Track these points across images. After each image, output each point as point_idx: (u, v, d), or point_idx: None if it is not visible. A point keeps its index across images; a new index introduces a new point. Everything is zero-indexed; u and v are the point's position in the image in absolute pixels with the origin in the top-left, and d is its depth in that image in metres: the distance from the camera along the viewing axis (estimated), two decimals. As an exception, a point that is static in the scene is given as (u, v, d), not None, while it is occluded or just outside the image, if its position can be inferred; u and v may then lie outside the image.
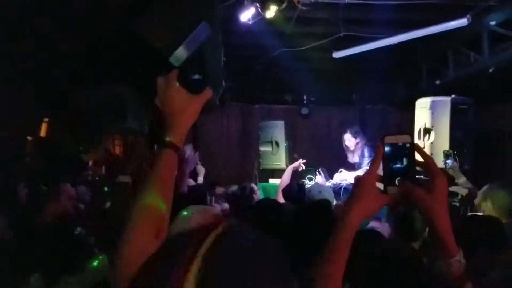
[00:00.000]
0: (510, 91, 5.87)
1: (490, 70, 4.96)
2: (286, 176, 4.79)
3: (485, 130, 5.92)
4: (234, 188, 4.93)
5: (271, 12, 4.68)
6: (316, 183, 4.84)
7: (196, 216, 1.78)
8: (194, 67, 1.28)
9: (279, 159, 6.49)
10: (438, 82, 5.79)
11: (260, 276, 0.66)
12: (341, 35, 5.35)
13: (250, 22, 4.87)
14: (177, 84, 1.22)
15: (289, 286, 0.71)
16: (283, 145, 6.47)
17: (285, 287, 0.69)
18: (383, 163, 1.03)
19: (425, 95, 4.94)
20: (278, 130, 6.53)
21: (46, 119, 5.55)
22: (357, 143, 5.75)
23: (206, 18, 3.65)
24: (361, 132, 5.92)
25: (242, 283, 0.64)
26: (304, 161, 5.25)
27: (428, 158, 1.02)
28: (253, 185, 5.05)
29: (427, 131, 4.49)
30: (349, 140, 5.79)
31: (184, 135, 1.23)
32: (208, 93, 1.25)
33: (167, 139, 1.19)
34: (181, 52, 3.74)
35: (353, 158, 5.85)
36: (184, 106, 1.21)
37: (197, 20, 3.61)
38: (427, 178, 1.01)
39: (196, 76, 1.26)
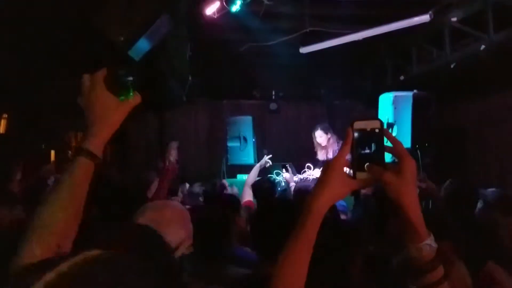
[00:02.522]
0: (472, 87, 6.02)
1: (452, 66, 5.07)
2: (253, 174, 4.78)
3: (447, 125, 6.05)
4: (197, 188, 4.89)
5: (236, 6, 4.64)
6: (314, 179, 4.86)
7: (149, 212, 1.71)
8: (124, 67, 1.14)
9: (247, 155, 6.46)
10: (402, 78, 5.89)
11: None
12: (307, 30, 5.38)
13: (215, 16, 4.82)
14: (103, 85, 1.10)
15: None
16: (251, 140, 6.44)
17: None
18: (351, 149, 1.01)
19: (390, 91, 5.01)
20: (245, 126, 6.49)
21: (5, 115, 5.37)
22: (329, 139, 5.75)
23: (167, 11, 3.60)
24: (330, 127, 5.94)
25: None
26: (270, 156, 5.24)
27: (396, 143, 1.00)
28: (224, 181, 5.02)
29: (389, 125, 4.55)
30: (320, 136, 5.77)
31: (104, 143, 1.11)
32: (137, 99, 1.14)
33: (84, 146, 1.08)
34: (141, 45, 3.69)
35: (327, 155, 5.84)
36: (107, 112, 1.10)
37: (157, 13, 3.56)
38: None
39: (126, 78, 1.13)
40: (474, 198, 2.95)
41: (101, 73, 1.11)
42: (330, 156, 5.74)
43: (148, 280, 0.67)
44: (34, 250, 0.96)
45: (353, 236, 2.17)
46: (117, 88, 1.11)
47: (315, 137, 5.83)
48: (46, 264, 0.62)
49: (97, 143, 1.09)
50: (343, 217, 3.35)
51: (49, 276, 0.60)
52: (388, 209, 2.43)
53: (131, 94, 1.12)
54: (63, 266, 0.62)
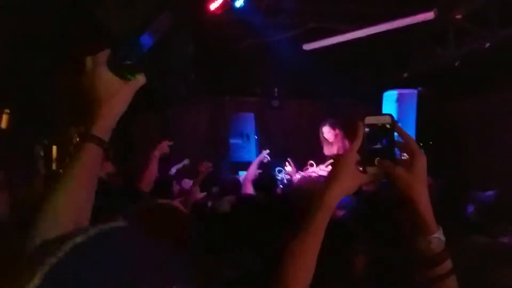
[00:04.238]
0: (477, 84, 5.99)
1: (456, 64, 5.05)
2: (252, 169, 4.77)
3: (451, 122, 6.01)
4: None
5: (240, 1, 4.62)
6: None
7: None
8: (128, 49, 1.12)
9: (249, 152, 6.45)
10: (405, 75, 5.86)
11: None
12: (310, 26, 5.37)
13: (219, 12, 4.79)
14: (106, 67, 1.06)
15: None
16: (253, 137, 6.44)
17: None
18: (362, 144, 1.03)
19: (394, 88, 4.98)
20: (248, 123, 6.49)
21: (7, 111, 5.34)
22: (336, 135, 5.72)
23: (169, 7, 3.58)
24: (338, 124, 5.89)
25: None
26: (268, 151, 5.22)
27: (408, 138, 1.02)
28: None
29: (393, 123, 4.53)
30: (328, 132, 5.73)
31: (110, 127, 1.08)
32: (140, 80, 1.11)
33: (91, 131, 1.04)
34: (143, 42, 3.66)
35: (332, 150, 5.79)
36: (111, 95, 1.06)
37: (159, 9, 3.54)
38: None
39: (129, 60, 1.10)
40: (462, 199, 2.92)
41: (104, 54, 1.08)
42: (334, 152, 5.71)
43: (159, 249, 0.72)
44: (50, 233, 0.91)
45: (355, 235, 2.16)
46: (118, 71, 1.07)
47: (322, 133, 5.78)
48: (68, 234, 0.66)
49: (103, 127, 1.06)
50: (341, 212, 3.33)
51: (79, 238, 0.64)
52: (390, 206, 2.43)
53: (135, 76, 1.09)
54: (90, 232, 0.67)
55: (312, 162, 5.57)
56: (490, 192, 2.99)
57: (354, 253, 2.02)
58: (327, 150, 5.82)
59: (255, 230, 1.95)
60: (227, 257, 2.02)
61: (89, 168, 1.04)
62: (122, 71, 1.07)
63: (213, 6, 4.70)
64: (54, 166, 5.48)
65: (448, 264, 0.99)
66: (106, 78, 1.06)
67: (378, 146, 1.02)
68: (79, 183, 1.02)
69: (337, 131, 5.68)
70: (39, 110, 5.25)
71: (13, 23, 3.90)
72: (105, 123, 1.06)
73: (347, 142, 5.56)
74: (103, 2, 3.28)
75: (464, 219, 2.85)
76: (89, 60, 1.08)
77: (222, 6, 4.66)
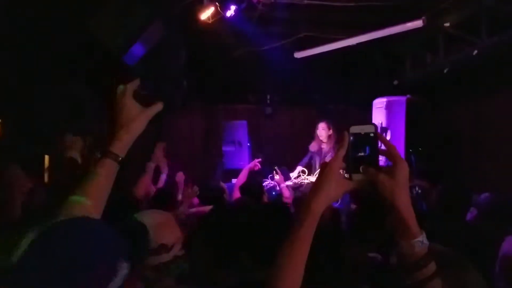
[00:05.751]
0: (466, 91, 6.05)
1: (445, 71, 5.10)
2: (242, 176, 4.78)
3: (441, 129, 6.06)
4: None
5: (231, 11, 4.66)
6: None
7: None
8: (148, 79, 1.32)
9: (242, 159, 6.48)
10: (396, 82, 5.91)
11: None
12: (302, 35, 5.41)
13: (210, 21, 4.83)
14: (131, 95, 1.25)
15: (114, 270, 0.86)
16: (246, 145, 6.47)
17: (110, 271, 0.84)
18: (348, 152, 1.07)
19: (384, 95, 5.02)
20: (241, 130, 6.53)
21: (-1, 120, 5.33)
22: (329, 136, 5.72)
23: (161, 16, 3.62)
24: (333, 126, 5.89)
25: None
26: (260, 160, 5.23)
27: (390, 146, 1.07)
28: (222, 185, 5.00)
29: (383, 130, 4.58)
30: (323, 129, 5.72)
31: (127, 146, 1.28)
32: (157, 107, 1.29)
33: (110, 148, 1.24)
34: (136, 51, 3.70)
35: (320, 150, 5.77)
36: (131, 118, 1.25)
37: (151, 18, 3.58)
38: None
39: (149, 90, 1.32)
40: (466, 202, 2.95)
41: (133, 84, 1.29)
42: (324, 147, 5.70)
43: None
44: None
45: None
46: (139, 98, 1.27)
47: (317, 128, 5.78)
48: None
49: (120, 146, 1.26)
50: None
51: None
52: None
53: (151, 102, 1.29)
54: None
55: (304, 169, 5.59)
56: (485, 194, 3.03)
57: (347, 254, 2.05)
58: (313, 146, 5.79)
59: (255, 236, 1.96)
60: (226, 262, 2.04)
61: (105, 179, 1.25)
62: (141, 98, 1.27)
63: (203, 16, 4.74)
64: (46, 178, 5.45)
65: (431, 267, 1.02)
66: (129, 105, 1.26)
67: (363, 154, 1.07)
68: (96, 191, 1.22)
69: (331, 131, 5.67)
70: (32, 118, 5.24)
71: (9, 30, 3.92)
72: (122, 143, 1.27)
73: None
74: (98, 14, 3.32)
75: (465, 223, 2.88)
76: (120, 89, 1.27)
77: (212, 15, 4.70)
